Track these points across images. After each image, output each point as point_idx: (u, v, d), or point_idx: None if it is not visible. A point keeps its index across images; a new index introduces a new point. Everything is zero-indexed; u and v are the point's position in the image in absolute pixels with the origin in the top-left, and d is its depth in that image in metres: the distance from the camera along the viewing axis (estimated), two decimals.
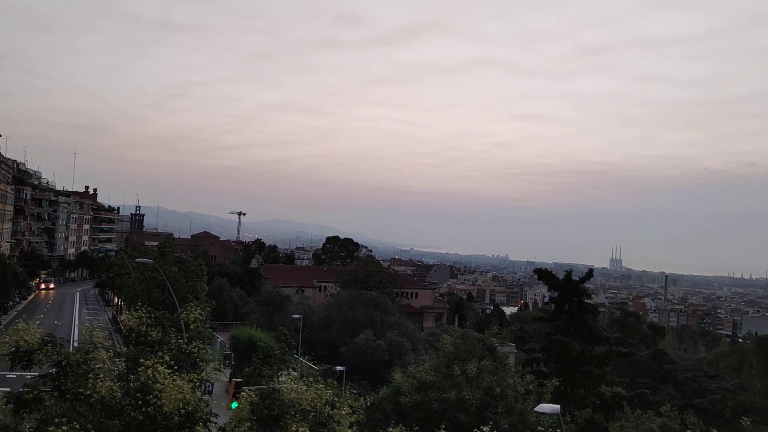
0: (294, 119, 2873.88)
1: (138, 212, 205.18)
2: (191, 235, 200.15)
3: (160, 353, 16.07)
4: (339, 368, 40.63)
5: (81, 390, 14.38)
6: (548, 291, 44.45)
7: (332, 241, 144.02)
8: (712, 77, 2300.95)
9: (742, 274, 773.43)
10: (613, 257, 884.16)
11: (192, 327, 23.34)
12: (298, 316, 51.56)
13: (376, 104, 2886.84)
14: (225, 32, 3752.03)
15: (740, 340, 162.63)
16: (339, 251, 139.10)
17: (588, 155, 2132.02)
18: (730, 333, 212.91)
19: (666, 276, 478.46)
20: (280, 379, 23.87)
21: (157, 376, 14.40)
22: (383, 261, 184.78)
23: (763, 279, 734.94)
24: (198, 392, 15.89)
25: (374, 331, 57.95)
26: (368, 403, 25.71)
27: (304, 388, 15.57)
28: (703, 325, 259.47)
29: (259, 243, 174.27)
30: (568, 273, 41.57)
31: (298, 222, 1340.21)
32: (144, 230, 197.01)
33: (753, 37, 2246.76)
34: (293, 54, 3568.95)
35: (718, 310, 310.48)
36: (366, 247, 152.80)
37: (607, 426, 36.42)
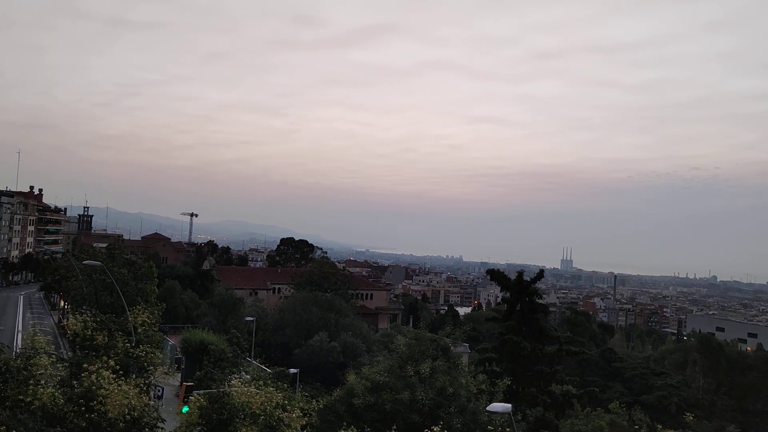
0: (251, 119, 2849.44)
1: (86, 213, 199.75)
2: (142, 237, 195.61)
3: (105, 358, 15.63)
4: (292, 371, 40.38)
5: (21, 397, 13.94)
6: (501, 291, 45.03)
7: (287, 242, 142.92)
8: (660, 83, 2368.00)
9: (687, 273, 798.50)
10: (564, 258, 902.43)
11: (140, 330, 22.77)
12: (251, 319, 50.97)
13: (333, 105, 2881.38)
14: (182, 31, 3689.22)
15: (685, 338, 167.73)
16: (294, 253, 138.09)
17: (541, 158, 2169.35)
18: (676, 331, 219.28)
19: (615, 276, 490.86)
20: (232, 382, 23.52)
21: (102, 381, 14.02)
22: (338, 262, 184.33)
23: (707, 279, 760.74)
24: (145, 397, 15.51)
25: (329, 333, 57.72)
26: (321, 405, 25.60)
27: (255, 391, 15.37)
28: (650, 324, 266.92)
29: (211, 244, 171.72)
30: (520, 274, 42.14)
31: (252, 223, 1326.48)
32: (92, 232, 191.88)
33: (698, 46, 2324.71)
34: (251, 53, 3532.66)
35: (665, 309, 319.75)
36: (321, 249, 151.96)
37: (558, 424, 36.99)
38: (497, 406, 19.20)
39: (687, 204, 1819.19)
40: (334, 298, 67.50)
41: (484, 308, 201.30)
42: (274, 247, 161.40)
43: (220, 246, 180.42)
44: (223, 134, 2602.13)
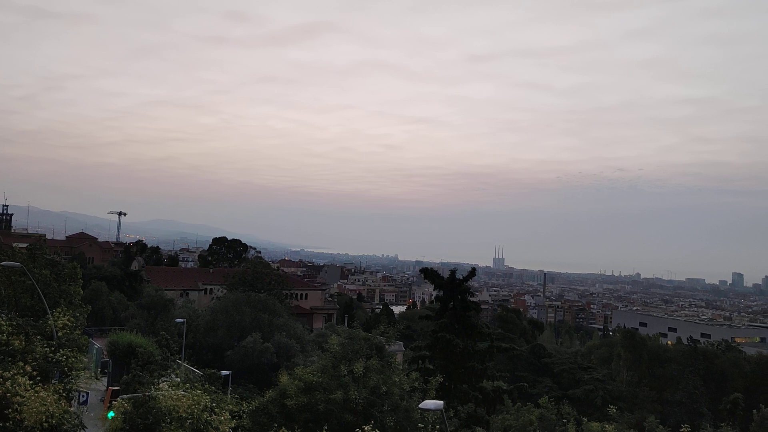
0: (180, 116, 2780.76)
1: (5, 211, 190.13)
2: (66, 236, 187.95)
3: (21, 363, 14.90)
4: (224, 372, 39.64)
5: None
6: (434, 290, 45.50)
7: (219, 242, 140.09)
8: (586, 87, 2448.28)
9: (613, 271, 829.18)
10: (497, 256, 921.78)
11: (61, 334, 21.82)
12: (181, 320, 49.88)
13: (268, 103, 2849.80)
14: (108, 24, 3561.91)
15: (610, 334, 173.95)
16: (226, 253, 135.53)
17: (474, 158, 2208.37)
18: (602, 327, 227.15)
19: (545, 274, 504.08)
20: (161, 385, 22.89)
21: (18, 388, 13.34)
22: (273, 262, 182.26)
23: (631, 276, 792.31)
24: (65, 404, 14.86)
25: (262, 334, 56.98)
26: (253, 407, 25.21)
27: (182, 394, 14.98)
28: (577, 320, 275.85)
29: (140, 244, 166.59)
30: (452, 272, 42.72)
31: (182, 222, 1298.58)
32: (12, 231, 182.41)
33: (622, 52, 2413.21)
34: (181, 49, 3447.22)
35: (591, 306, 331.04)
36: (255, 248, 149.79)
37: (489, 419, 37.67)
38: (429, 404, 19.44)
39: (612, 204, 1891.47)
40: (268, 298, 66.65)
41: (418, 306, 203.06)
42: (206, 247, 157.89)
43: (149, 246, 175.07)
44: (153, 131, 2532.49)
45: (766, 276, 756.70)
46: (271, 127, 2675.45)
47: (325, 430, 17.89)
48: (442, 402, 20.07)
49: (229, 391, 34.83)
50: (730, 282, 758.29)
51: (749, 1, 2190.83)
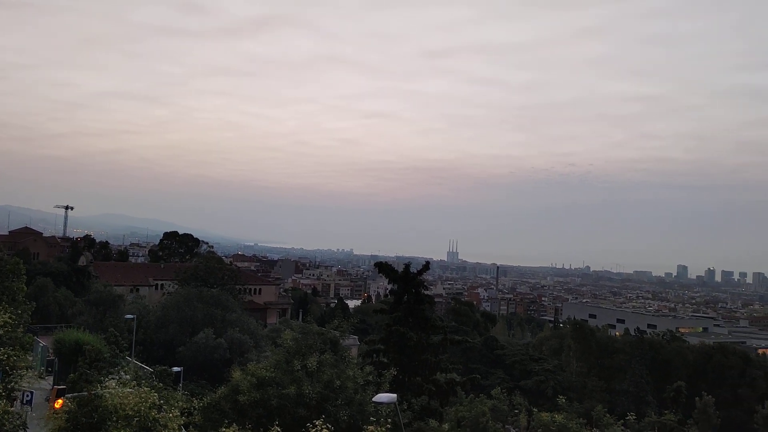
0: (131, 108, 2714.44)
1: None
2: (9, 231, 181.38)
3: None
4: (176, 369, 39.01)
5: None
6: (389, 283, 45.61)
7: (170, 236, 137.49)
8: (539, 84, 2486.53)
9: (563, 264, 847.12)
10: (451, 250, 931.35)
11: (1, 332, 21.10)
12: (131, 317, 48.81)
13: (222, 95, 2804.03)
14: (55, 12, 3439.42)
15: (561, 325, 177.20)
16: (178, 247, 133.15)
17: (429, 153, 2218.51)
18: (553, 319, 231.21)
19: (497, 267, 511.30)
20: (109, 383, 22.38)
21: None
22: (226, 257, 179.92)
23: (581, 269, 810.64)
24: (6, 403, 14.38)
25: (215, 330, 56.23)
26: (204, 404, 24.88)
27: (129, 392, 14.65)
28: (529, 312, 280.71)
29: (88, 239, 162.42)
30: (407, 266, 42.88)
31: (132, 217, 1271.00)
32: None
33: (573, 50, 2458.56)
34: (132, 39, 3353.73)
35: (543, 298, 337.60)
36: (207, 243, 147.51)
37: (442, 411, 38.07)
38: (383, 397, 19.55)
39: (563, 198, 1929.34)
40: (221, 293, 65.80)
41: (373, 300, 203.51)
42: (157, 242, 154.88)
43: (98, 241, 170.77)
44: (101, 123, 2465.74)
45: (708, 268, 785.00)
46: (225, 120, 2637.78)
47: (277, 425, 17.76)
48: (395, 395, 20.20)
49: (180, 388, 34.27)
50: (675, 274, 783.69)
51: (694, 3, 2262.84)
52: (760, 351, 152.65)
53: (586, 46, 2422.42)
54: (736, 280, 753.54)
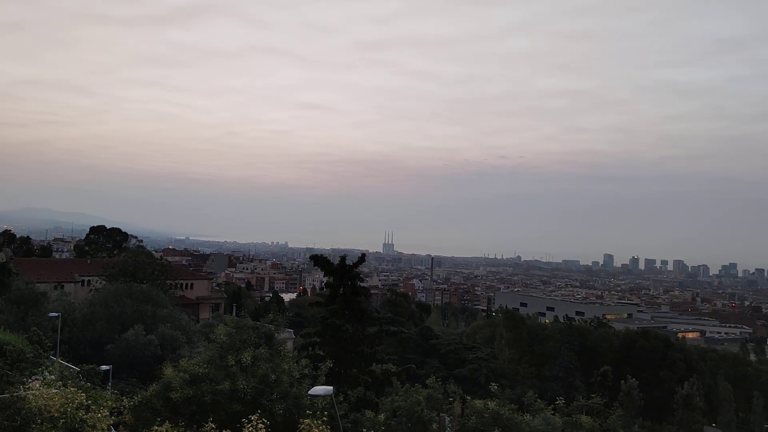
0: (55, 97, 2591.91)
1: None
2: None
3: None
4: (104, 367, 37.90)
5: None
6: (324, 276, 45.56)
7: (97, 231, 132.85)
8: (470, 78, 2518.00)
9: (495, 254, 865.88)
10: (386, 242, 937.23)
11: None
12: (56, 314, 46.99)
13: (150, 85, 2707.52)
14: None
15: (493, 314, 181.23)
16: (105, 242, 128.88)
17: (364, 145, 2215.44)
18: (486, 308, 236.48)
19: (432, 258, 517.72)
20: (32, 384, 21.50)
21: None
22: (156, 251, 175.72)
23: (512, 258, 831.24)
24: None
25: (145, 326, 54.85)
26: (135, 402, 24.26)
27: (54, 392, 14.12)
28: (463, 302, 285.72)
29: (8, 234, 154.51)
30: (343, 258, 42.98)
31: (56, 210, 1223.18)
32: None
33: (502, 45, 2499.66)
34: (54, 26, 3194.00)
35: (476, 288, 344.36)
36: (136, 237, 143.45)
37: (378, 402, 38.34)
38: (319, 389, 19.63)
39: (495, 190, 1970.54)
40: (151, 289, 64.13)
41: (309, 294, 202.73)
42: (83, 237, 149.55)
43: (18, 236, 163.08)
44: (22, 113, 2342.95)
45: (633, 257, 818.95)
46: (154, 110, 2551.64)
47: (212, 421, 17.52)
48: (331, 387, 20.28)
49: (109, 387, 33.30)
50: (602, 263, 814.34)
51: (618, 1, 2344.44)
52: (679, 335, 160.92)
53: (515, 40, 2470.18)
54: (658, 267, 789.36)
